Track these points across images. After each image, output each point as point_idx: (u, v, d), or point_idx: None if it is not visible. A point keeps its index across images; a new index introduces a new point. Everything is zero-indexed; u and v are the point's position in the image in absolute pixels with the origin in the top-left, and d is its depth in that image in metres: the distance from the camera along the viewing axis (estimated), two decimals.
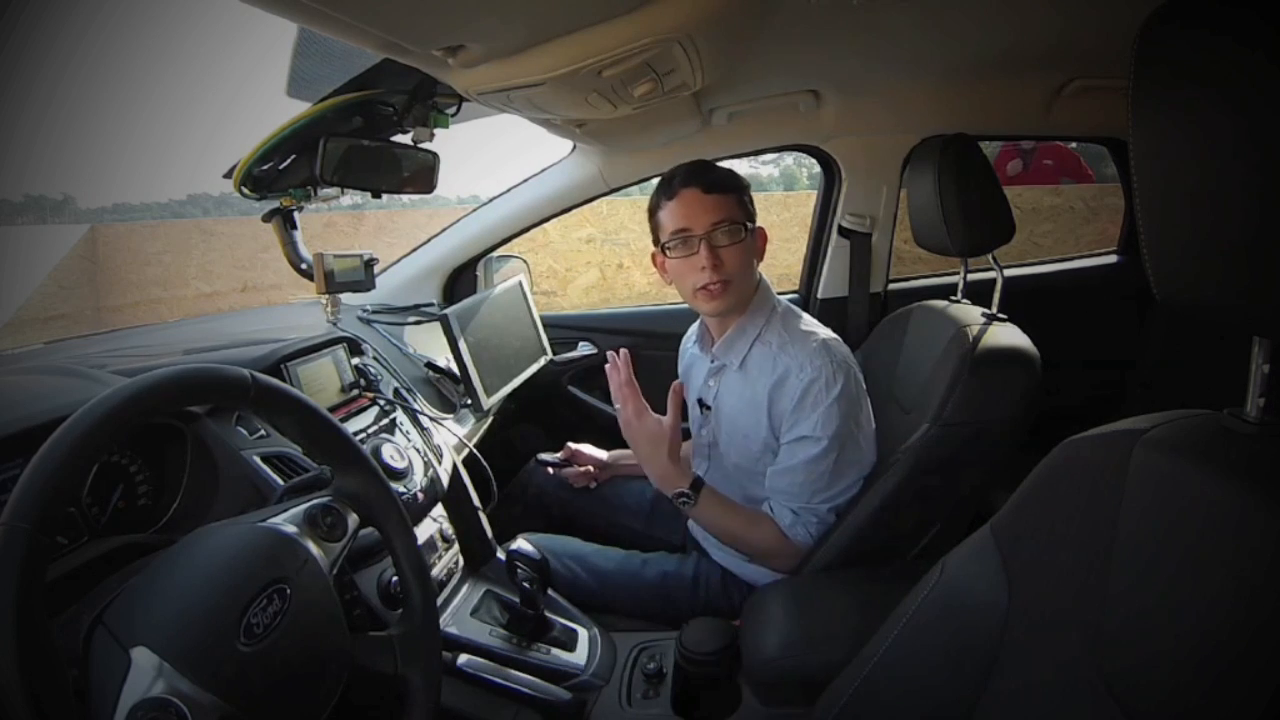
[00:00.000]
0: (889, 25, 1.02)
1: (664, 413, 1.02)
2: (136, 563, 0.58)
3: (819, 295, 1.63)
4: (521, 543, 0.95)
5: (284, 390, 0.64)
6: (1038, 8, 1.00)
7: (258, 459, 0.78)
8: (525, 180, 1.62)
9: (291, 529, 0.60)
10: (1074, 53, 1.25)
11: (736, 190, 1.04)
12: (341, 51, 0.94)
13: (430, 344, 1.36)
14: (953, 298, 1.18)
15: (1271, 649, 0.38)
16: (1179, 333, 1.61)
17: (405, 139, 1.19)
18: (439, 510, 1.03)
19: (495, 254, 1.65)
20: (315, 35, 0.88)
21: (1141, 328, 1.70)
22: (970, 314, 1.07)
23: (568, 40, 0.71)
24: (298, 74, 0.98)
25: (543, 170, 1.62)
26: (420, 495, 0.92)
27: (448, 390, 1.31)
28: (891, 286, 1.64)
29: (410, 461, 0.93)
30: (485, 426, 1.34)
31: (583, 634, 1.00)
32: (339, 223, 4.31)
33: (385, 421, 1.02)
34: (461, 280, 1.66)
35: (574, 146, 1.54)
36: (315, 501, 0.64)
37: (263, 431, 0.82)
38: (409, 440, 1.01)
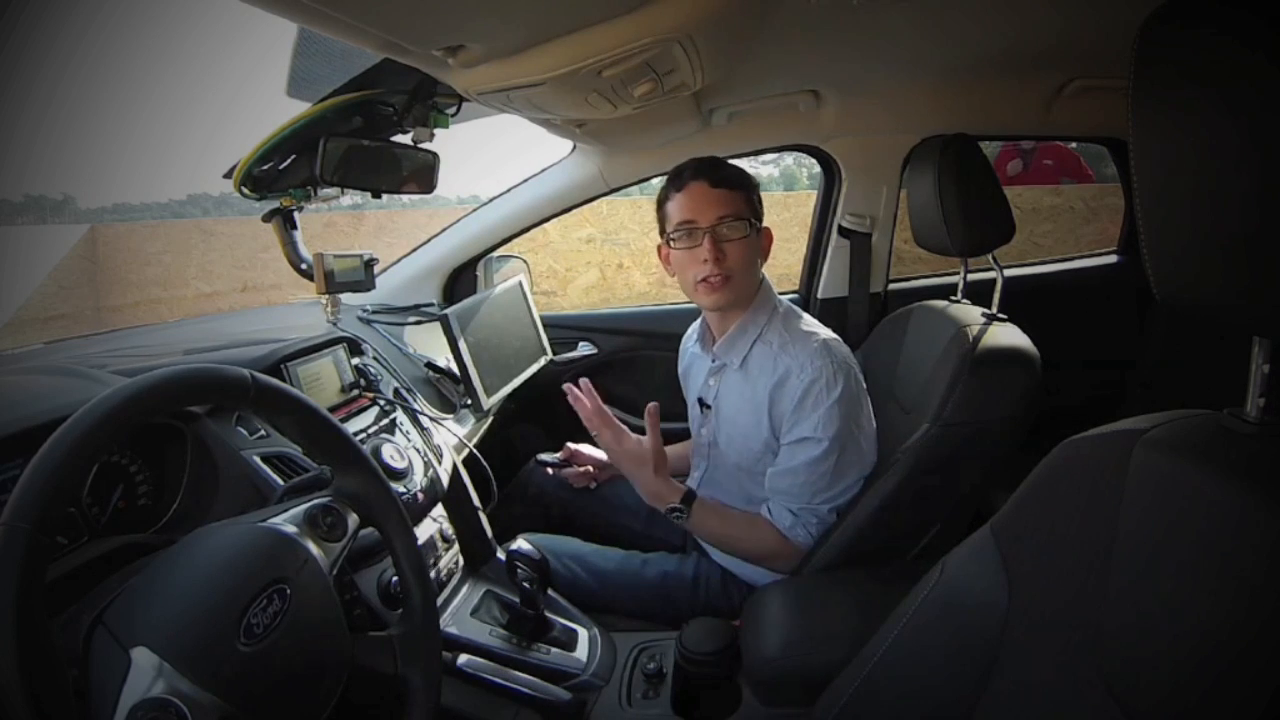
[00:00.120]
0: (889, 25, 1.02)
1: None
2: (136, 563, 0.58)
3: (819, 295, 1.63)
4: (521, 543, 0.95)
5: (284, 390, 0.64)
6: (1038, 8, 1.00)
7: (258, 459, 0.78)
8: (525, 180, 1.62)
9: (291, 529, 0.60)
10: (1074, 53, 1.25)
11: (745, 188, 1.05)
12: (341, 51, 0.94)
13: (430, 344, 1.36)
14: (953, 298, 1.18)
15: (1271, 649, 0.38)
16: (1179, 333, 1.61)
17: (405, 139, 1.19)
18: (439, 510, 1.03)
19: (495, 254, 1.65)
20: (315, 35, 0.88)
21: (1141, 328, 1.70)
22: (970, 314, 1.07)
23: (568, 40, 0.71)
24: (298, 74, 0.98)
25: (543, 170, 1.62)
26: (420, 495, 0.92)
27: (448, 390, 1.31)
28: (891, 286, 1.64)
29: (410, 461, 0.93)
30: (485, 426, 1.34)
31: (583, 634, 1.00)
32: (339, 223, 4.31)
33: (385, 421, 1.02)
34: (461, 280, 1.66)
35: (574, 146, 1.54)
36: (315, 501, 0.64)
37: (263, 431, 0.82)
38: (409, 440, 1.01)
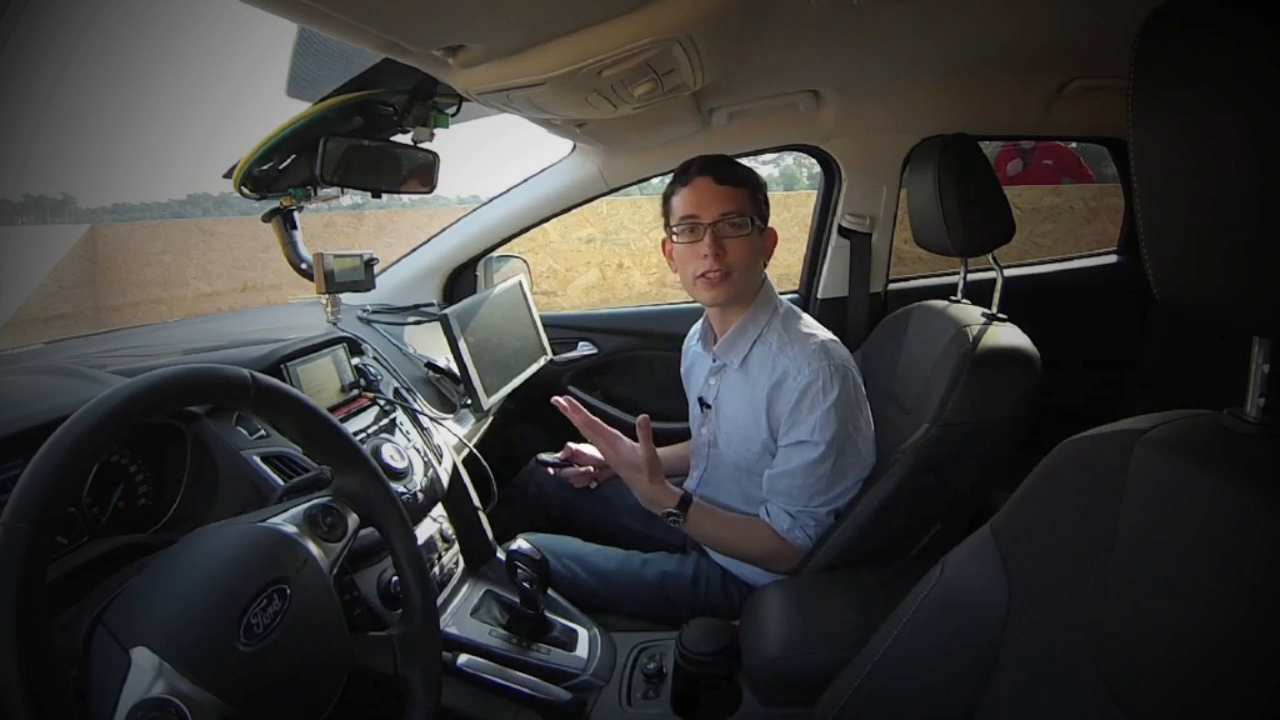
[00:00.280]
0: (889, 25, 1.02)
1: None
2: (136, 563, 0.58)
3: (819, 295, 1.63)
4: (521, 543, 0.95)
5: (284, 390, 0.64)
6: (1038, 8, 1.00)
7: (258, 459, 0.78)
8: (525, 180, 1.62)
9: (291, 529, 0.60)
10: (1074, 53, 1.25)
11: (751, 186, 1.05)
12: (341, 51, 0.94)
13: (430, 344, 1.36)
14: (953, 298, 1.18)
15: (1271, 649, 0.38)
16: (1179, 333, 1.60)
17: (405, 139, 1.19)
18: (439, 510, 1.03)
19: (495, 254, 1.65)
20: (315, 35, 0.88)
21: (1141, 328, 1.70)
22: (970, 314, 1.07)
23: (568, 40, 0.71)
24: (298, 74, 0.98)
25: (543, 170, 1.62)
26: (420, 495, 0.92)
27: (448, 390, 1.31)
28: (891, 286, 1.64)
29: (410, 461, 0.93)
30: (485, 426, 1.34)
31: (583, 634, 1.00)
32: (339, 223, 4.32)
33: (385, 421, 1.02)
34: (461, 280, 1.66)
35: (574, 146, 1.54)
36: (315, 501, 0.64)
37: (263, 431, 0.82)
38: (409, 440, 1.01)
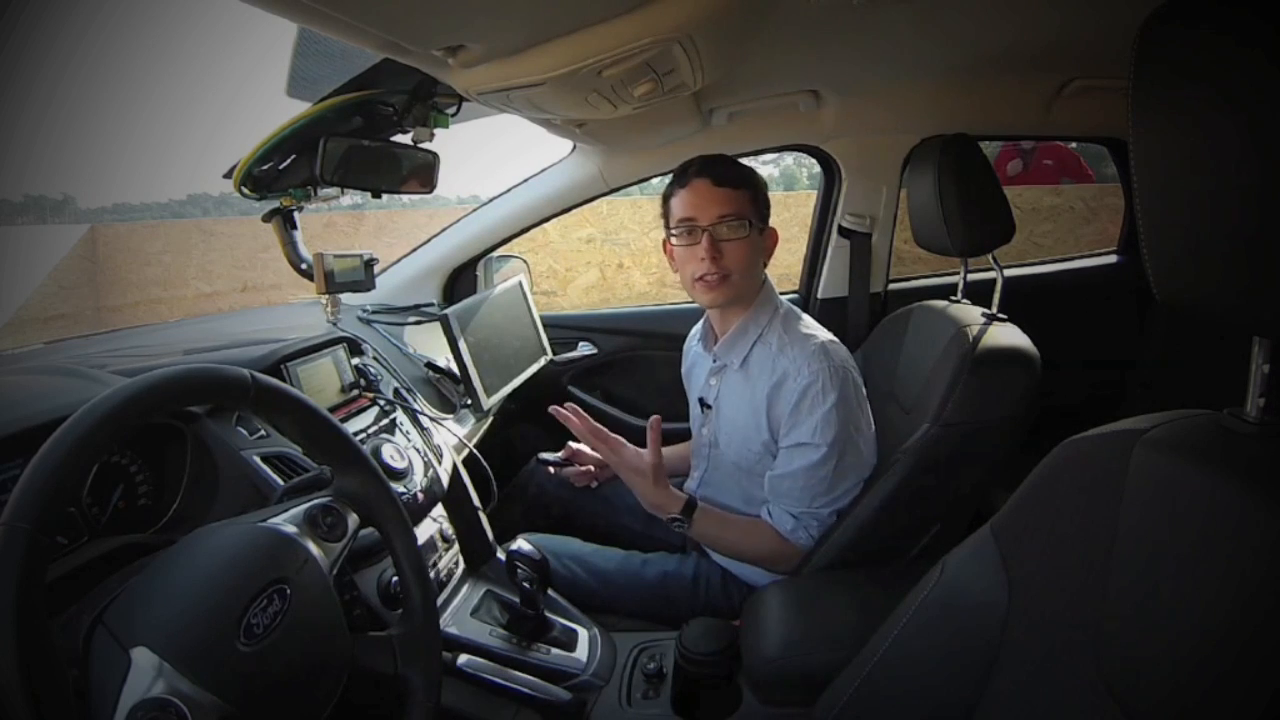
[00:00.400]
0: (889, 25, 1.02)
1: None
2: (136, 563, 0.57)
3: (819, 295, 1.63)
4: (521, 543, 0.95)
5: (284, 390, 0.64)
6: (1038, 8, 1.00)
7: (258, 459, 0.78)
8: (525, 180, 1.62)
9: (291, 529, 0.60)
10: (1074, 53, 1.25)
11: (750, 188, 1.05)
12: (341, 51, 0.94)
13: (430, 344, 1.36)
14: (953, 298, 1.18)
15: (1271, 649, 0.38)
16: (1179, 333, 1.60)
17: (405, 139, 1.19)
18: (439, 510, 1.03)
19: (495, 254, 1.65)
20: (315, 35, 0.88)
21: (1141, 328, 1.70)
22: (970, 314, 1.07)
23: (568, 40, 0.71)
24: (298, 74, 0.98)
25: (543, 170, 1.62)
26: (420, 495, 0.92)
27: (448, 390, 1.31)
28: (891, 286, 1.64)
29: (410, 461, 0.93)
30: (485, 426, 1.34)
31: (583, 634, 1.00)
32: (339, 223, 4.32)
33: (385, 421, 1.02)
34: (461, 280, 1.66)
35: (574, 146, 1.54)
36: (315, 501, 0.64)
37: (263, 431, 0.82)
38: (409, 440, 1.01)
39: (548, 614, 0.98)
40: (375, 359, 1.13)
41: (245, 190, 1.10)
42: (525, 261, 1.68)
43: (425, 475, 0.95)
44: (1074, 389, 1.48)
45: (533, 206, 1.61)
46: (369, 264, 1.24)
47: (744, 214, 1.03)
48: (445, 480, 1.02)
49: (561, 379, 1.68)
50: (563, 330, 1.67)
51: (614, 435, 1.07)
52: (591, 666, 0.95)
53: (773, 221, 1.11)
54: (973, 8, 0.99)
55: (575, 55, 0.72)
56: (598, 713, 0.91)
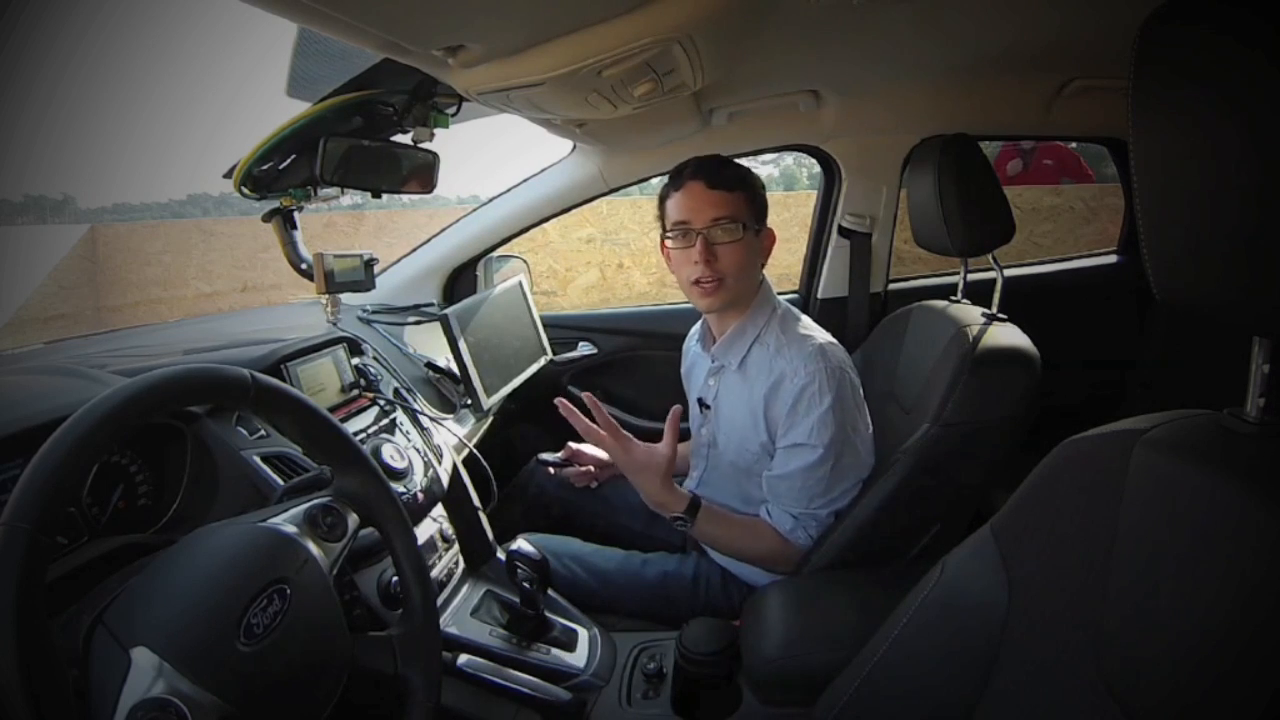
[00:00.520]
0: (889, 25, 1.02)
1: (668, 414, 1.02)
2: (136, 563, 0.57)
3: (819, 295, 1.63)
4: (521, 543, 0.95)
5: (284, 390, 0.64)
6: (1038, 8, 1.00)
7: (258, 459, 0.78)
8: (525, 180, 1.62)
9: (291, 529, 0.60)
10: (1074, 53, 1.25)
11: (745, 189, 1.04)
12: (341, 51, 0.94)
13: (430, 344, 1.36)
14: (953, 298, 1.18)
15: (1271, 649, 0.38)
16: (1179, 333, 1.60)
17: (405, 139, 1.19)
18: (439, 510, 1.03)
19: (495, 254, 1.65)
20: (315, 35, 0.88)
21: (1141, 328, 1.70)
22: (970, 314, 1.07)
23: (568, 40, 0.71)
24: (298, 74, 0.98)
25: (543, 170, 1.62)
26: (420, 495, 0.92)
27: (448, 390, 1.31)
28: (891, 286, 1.64)
29: (410, 461, 0.93)
30: (485, 426, 1.34)
31: (583, 634, 1.00)
32: (339, 223, 4.32)
33: (385, 421, 1.02)
34: (461, 280, 1.66)
35: (574, 146, 1.54)
36: (315, 501, 0.64)
37: (263, 431, 0.82)
38: (409, 440, 1.01)
39: (548, 614, 0.98)
40: (375, 359, 1.13)
41: (245, 190, 1.10)
42: (525, 261, 1.68)
43: (425, 475, 0.95)
44: (1074, 389, 1.48)
45: (533, 206, 1.61)
46: (369, 264, 1.24)
47: (739, 216, 1.02)
48: (445, 480, 1.02)
49: (561, 379, 1.68)
50: (563, 330, 1.67)
51: (624, 432, 1.05)
52: (591, 666, 0.95)
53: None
54: (973, 8, 0.99)
55: (575, 55, 0.72)
56: (598, 713, 0.91)
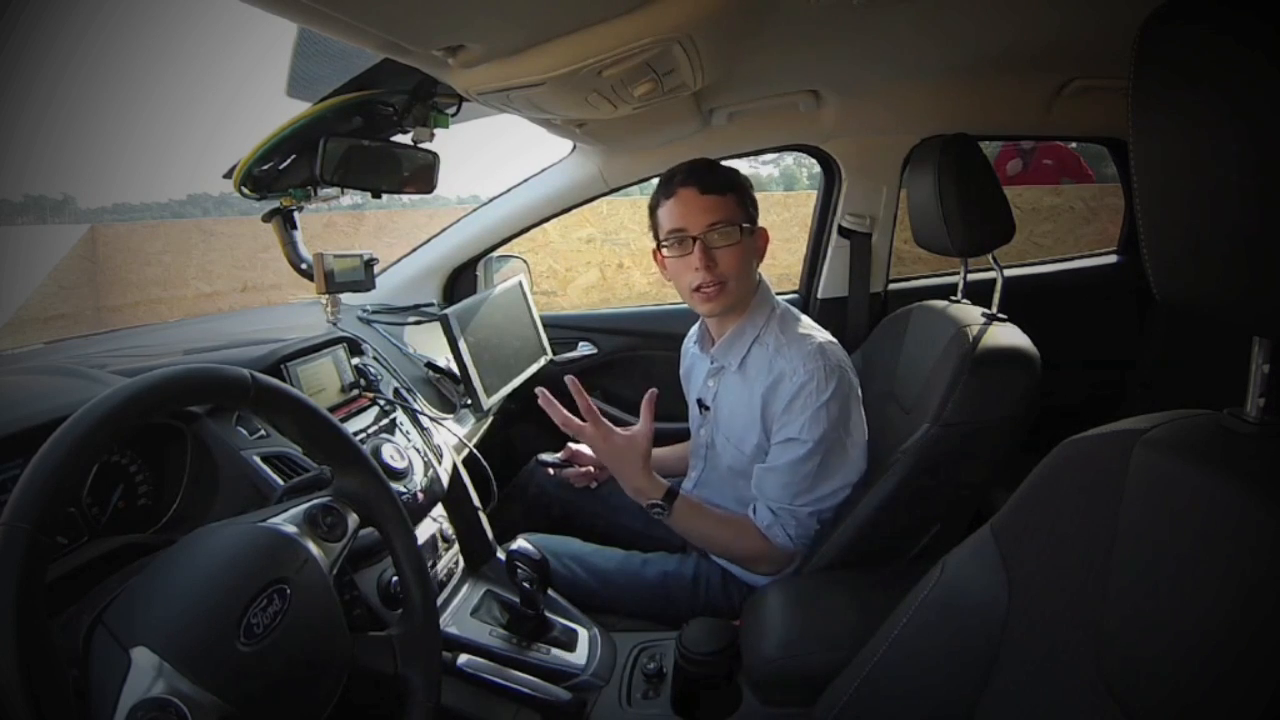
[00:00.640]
0: (889, 26, 1.02)
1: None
2: (136, 563, 0.58)
3: (819, 295, 1.63)
4: (521, 543, 0.95)
5: (284, 390, 0.64)
6: (1038, 8, 1.00)
7: (258, 459, 0.78)
8: (525, 180, 1.62)
9: (291, 529, 0.60)
10: (1074, 53, 1.25)
11: (736, 190, 1.04)
12: (341, 51, 0.94)
13: (430, 344, 1.36)
14: (953, 298, 1.18)
15: (1271, 649, 0.38)
16: (1179, 333, 1.60)
17: (405, 139, 1.19)
18: (439, 510, 1.03)
19: (495, 254, 1.65)
20: (315, 35, 0.88)
21: (1141, 328, 1.70)
22: (970, 314, 1.07)
23: (568, 40, 0.71)
24: (298, 74, 0.98)
25: (543, 170, 1.62)
26: (420, 495, 0.92)
27: (448, 390, 1.31)
28: (891, 286, 1.64)
29: (410, 461, 0.93)
30: (485, 426, 1.34)
31: (583, 634, 1.00)
32: (339, 223, 4.32)
33: (385, 421, 1.02)
34: (461, 280, 1.66)
35: (574, 146, 1.54)
36: (315, 501, 0.64)
37: (263, 431, 0.82)
38: (409, 440, 1.01)
39: (548, 614, 0.98)
40: (375, 359, 1.14)
41: (245, 190, 1.10)
42: (525, 261, 1.68)
43: (425, 475, 0.95)
44: (1074, 389, 1.48)
45: (533, 206, 1.61)
46: (369, 264, 1.24)
47: (734, 219, 1.02)
48: (445, 480, 1.02)
49: (561, 379, 1.67)
50: (563, 330, 1.67)
51: (602, 418, 1.05)
52: (591, 666, 0.95)
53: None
54: (973, 8, 0.99)
55: (575, 55, 0.72)
56: (598, 713, 0.91)
